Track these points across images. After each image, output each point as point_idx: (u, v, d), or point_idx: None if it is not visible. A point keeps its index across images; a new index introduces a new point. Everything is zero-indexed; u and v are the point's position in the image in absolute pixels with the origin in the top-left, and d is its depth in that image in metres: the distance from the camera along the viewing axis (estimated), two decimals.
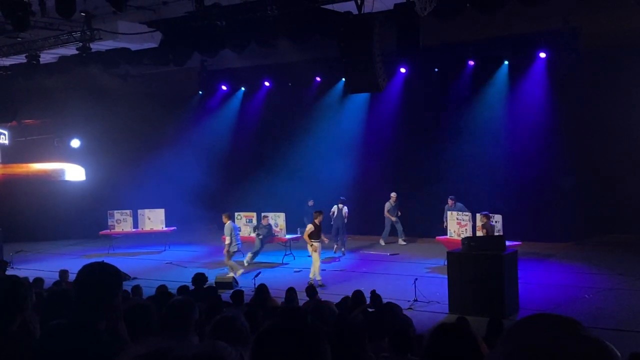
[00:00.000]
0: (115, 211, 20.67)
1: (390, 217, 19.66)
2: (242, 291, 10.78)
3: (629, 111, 17.74)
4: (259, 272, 13.99)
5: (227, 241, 16.04)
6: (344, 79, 19.86)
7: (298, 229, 18.80)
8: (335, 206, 19.01)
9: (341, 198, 19.18)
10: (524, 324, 1.58)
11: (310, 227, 15.26)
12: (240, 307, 9.37)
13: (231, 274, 15.50)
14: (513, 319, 10.27)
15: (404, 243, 19.73)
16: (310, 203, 19.82)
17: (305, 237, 15.26)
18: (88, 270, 3.37)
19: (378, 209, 19.82)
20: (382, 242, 19.88)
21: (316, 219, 15.41)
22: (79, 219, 20.34)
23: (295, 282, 13.24)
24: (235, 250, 16.24)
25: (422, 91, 20.27)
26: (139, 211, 20.94)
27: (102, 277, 3.28)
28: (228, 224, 16.26)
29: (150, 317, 4.10)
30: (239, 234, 16.80)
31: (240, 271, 15.96)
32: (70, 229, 22.31)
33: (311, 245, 15.14)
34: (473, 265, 11.70)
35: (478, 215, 15.92)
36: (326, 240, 16.42)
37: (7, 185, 24.20)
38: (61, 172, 24.88)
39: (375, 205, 20.12)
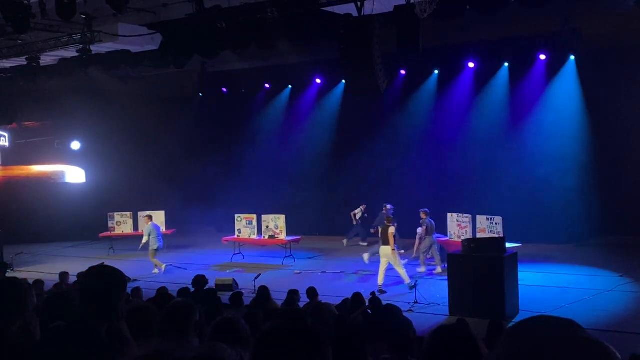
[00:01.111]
0: (116, 213, 20.67)
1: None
2: (242, 293, 10.78)
3: (629, 113, 17.76)
4: (259, 275, 13.99)
5: (145, 240, 17.49)
6: (344, 81, 19.91)
7: (374, 228, 17.37)
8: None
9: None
10: (524, 326, 1.58)
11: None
12: (241, 310, 9.37)
13: (157, 269, 17.12)
14: (513, 321, 10.26)
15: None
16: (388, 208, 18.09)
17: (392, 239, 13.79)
18: (92, 274, 3.38)
19: (377, 211, 19.77)
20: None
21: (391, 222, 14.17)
22: (79, 221, 20.40)
23: (296, 284, 13.23)
24: (155, 248, 17.31)
25: (422, 93, 20.29)
26: (139, 213, 20.94)
27: (106, 281, 3.29)
28: (149, 224, 17.58)
29: (151, 319, 4.10)
30: (160, 234, 17.80)
31: (164, 266, 17.22)
32: (70, 231, 22.31)
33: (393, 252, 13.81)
34: (473, 267, 11.70)
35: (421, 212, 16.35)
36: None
37: (8, 187, 24.20)
38: (61, 175, 24.89)
39: (374, 208, 20.09)
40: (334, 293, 13.44)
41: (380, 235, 14.20)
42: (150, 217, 18.01)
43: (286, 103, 22.65)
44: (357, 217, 19.69)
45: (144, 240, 17.59)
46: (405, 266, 14.81)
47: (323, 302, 10.31)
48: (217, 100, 24.24)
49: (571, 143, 18.48)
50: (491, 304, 11.19)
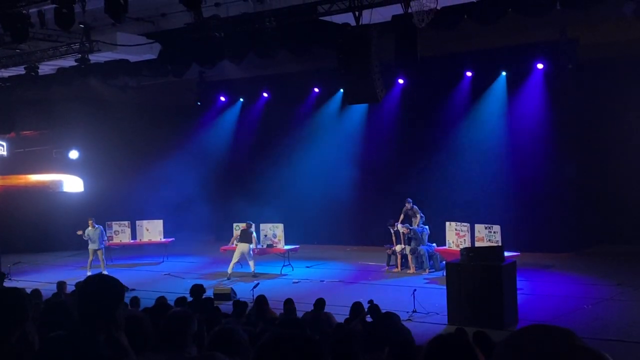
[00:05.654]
0: (114, 222, 20.64)
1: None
2: (245, 302, 10.77)
3: (626, 122, 17.82)
4: (257, 283, 13.96)
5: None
6: (342, 90, 19.94)
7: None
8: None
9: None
10: (521, 335, 1.58)
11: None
12: (239, 319, 9.36)
13: None
14: (512, 330, 10.24)
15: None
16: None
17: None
18: (90, 283, 3.38)
19: (375, 220, 19.76)
20: None
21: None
22: (77, 231, 20.32)
23: (294, 293, 13.21)
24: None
25: (420, 102, 20.31)
26: (137, 222, 20.90)
27: (104, 289, 3.29)
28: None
29: (144, 329, 4.08)
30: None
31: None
32: (68, 240, 22.24)
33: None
34: (472, 276, 11.68)
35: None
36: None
37: (6, 196, 24.15)
38: (59, 184, 24.85)
39: (373, 216, 20.10)
40: (332, 302, 13.42)
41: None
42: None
43: (284, 111, 22.66)
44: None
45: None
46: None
47: (323, 311, 10.31)
48: (215, 109, 24.27)
49: (569, 152, 18.51)
50: (490, 312, 11.18)
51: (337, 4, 12.50)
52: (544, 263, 16.91)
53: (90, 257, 18.47)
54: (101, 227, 18.87)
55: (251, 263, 17.48)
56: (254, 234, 17.77)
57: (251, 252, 17.50)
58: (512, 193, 18.56)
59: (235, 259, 17.46)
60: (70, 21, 12.08)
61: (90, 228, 18.46)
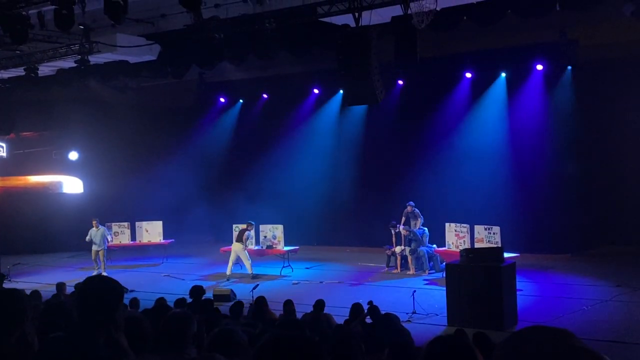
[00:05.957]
0: (113, 223, 20.64)
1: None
2: (242, 303, 10.76)
3: (626, 122, 17.81)
4: (257, 285, 13.95)
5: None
6: (342, 91, 19.95)
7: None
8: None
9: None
10: (520, 336, 1.58)
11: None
12: (238, 320, 9.35)
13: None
14: (512, 331, 10.24)
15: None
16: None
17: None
18: (89, 284, 3.38)
19: (375, 221, 19.77)
20: None
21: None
22: (76, 232, 20.40)
23: (294, 294, 13.20)
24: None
25: (419, 103, 20.31)
26: (137, 223, 20.90)
27: (103, 291, 3.29)
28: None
29: (144, 330, 4.08)
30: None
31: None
32: (67, 241, 22.27)
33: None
34: (471, 277, 11.68)
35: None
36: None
37: (5, 197, 24.16)
38: (59, 185, 24.85)
39: (372, 217, 20.09)
40: (332, 303, 13.42)
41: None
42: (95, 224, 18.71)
43: (284, 113, 22.66)
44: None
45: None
46: None
47: (322, 312, 10.31)
48: (215, 111, 24.28)
49: (568, 153, 18.50)
50: (489, 313, 11.17)
51: (337, 5, 12.52)
52: (544, 264, 16.91)
53: (94, 257, 18.71)
54: (105, 228, 19.01)
55: (247, 264, 17.40)
56: (247, 235, 17.65)
57: (246, 253, 17.42)
58: (512, 194, 18.55)
59: (231, 259, 17.44)
60: (69, 22, 12.09)
61: (94, 229, 18.60)
